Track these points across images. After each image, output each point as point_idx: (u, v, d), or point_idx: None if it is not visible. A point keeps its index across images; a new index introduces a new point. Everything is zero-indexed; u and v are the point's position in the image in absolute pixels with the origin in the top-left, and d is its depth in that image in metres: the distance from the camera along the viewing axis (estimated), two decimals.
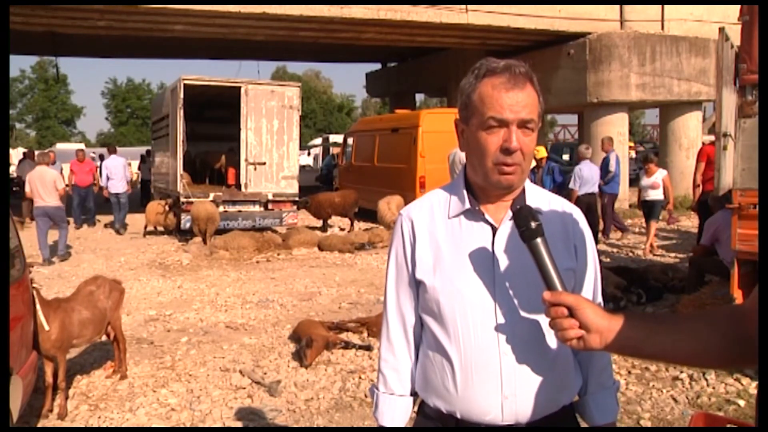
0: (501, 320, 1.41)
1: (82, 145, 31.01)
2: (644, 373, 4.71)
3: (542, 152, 11.44)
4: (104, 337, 4.97)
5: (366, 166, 15.70)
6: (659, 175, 9.99)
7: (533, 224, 1.29)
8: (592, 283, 1.54)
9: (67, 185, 12.96)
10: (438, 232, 1.50)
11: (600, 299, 1.56)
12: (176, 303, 7.36)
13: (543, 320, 1.42)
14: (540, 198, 1.52)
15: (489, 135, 1.39)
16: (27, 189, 10.57)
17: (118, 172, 13.96)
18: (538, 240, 1.28)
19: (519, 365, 1.41)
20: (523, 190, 1.49)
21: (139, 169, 19.41)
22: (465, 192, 1.49)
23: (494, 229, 1.45)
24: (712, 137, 9.06)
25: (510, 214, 1.45)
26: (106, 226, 14.53)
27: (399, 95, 23.70)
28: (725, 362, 1.17)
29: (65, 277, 8.78)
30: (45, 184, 10.00)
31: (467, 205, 1.47)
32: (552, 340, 1.44)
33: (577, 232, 1.52)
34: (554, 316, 1.23)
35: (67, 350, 4.36)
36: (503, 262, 1.43)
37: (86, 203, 14.31)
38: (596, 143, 15.09)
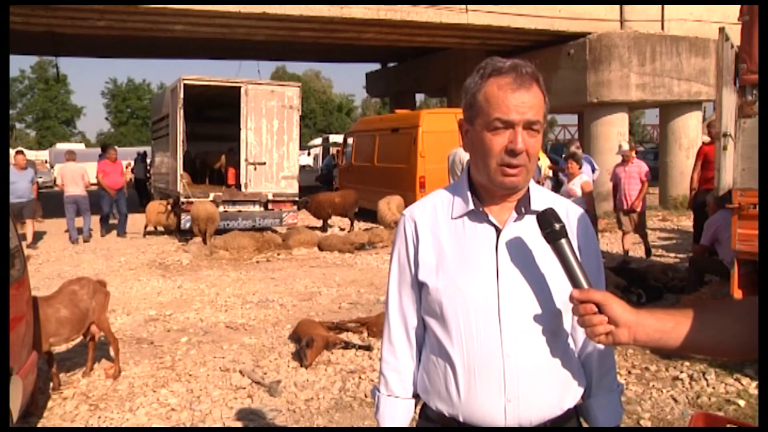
0: (504, 323, 1.40)
1: (82, 146, 30.96)
2: (644, 373, 4.71)
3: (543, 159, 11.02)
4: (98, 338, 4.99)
5: (366, 166, 15.70)
6: (578, 180, 8.20)
7: (557, 226, 1.32)
8: (596, 285, 1.53)
9: (94, 184, 13.19)
10: (441, 233, 1.49)
11: None
12: (176, 303, 7.36)
13: (546, 323, 1.42)
14: (544, 199, 1.50)
15: (494, 136, 1.38)
16: (59, 181, 12.82)
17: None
18: (563, 240, 1.32)
19: (522, 368, 1.40)
20: (528, 191, 1.48)
21: (132, 171, 19.33)
22: (468, 193, 1.47)
23: (498, 231, 1.44)
24: (707, 137, 8.88)
25: (514, 215, 1.45)
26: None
27: (399, 95, 23.69)
28: (748, 352, 1.19)
29: (65, 277, 8.73)
30: (74, 177, 12.22)
31: (471, 206, 1.46)
32: (555, 343, 1.44)
33: (581, 233, 1.50)
34: (583, 313, 1.25)
35: (46, 348, 4.37)
36: (507, 263, 1.42)
37: (119, 208, 13.22)
38: (596, 143, 15.13)
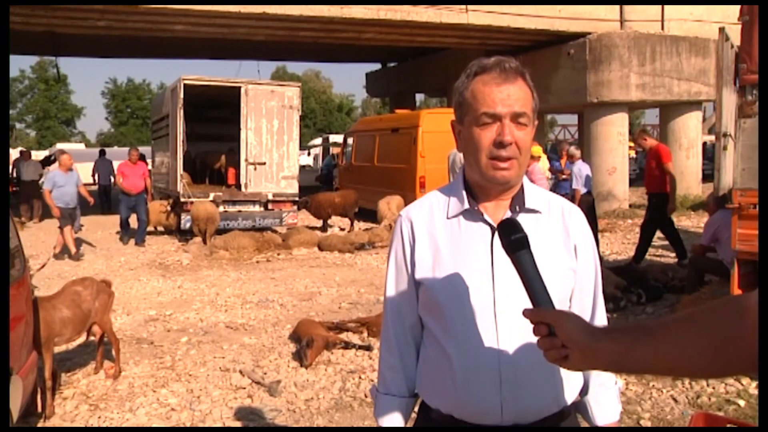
0: (500, 320, 1.41)
1: (81, 145, 30.98)
2: None
3: (537, 151, 10.96)
4: (92, 338, 5.00)
5: (366, 166, 15.70)
6: None
7: (514, 236, 1.23)
8: (592, 283, 1.53)
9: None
10: (437, 233, 1.50)
11: (601, 299, 1.55)
12: (176, 303, 7.36)
13: None
14: (540, 197, 1.51)
15: (482, 130, 1.40)
16: None
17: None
18: (520, 252, 1.22)
19: (518, 365, 1.40)
20: (522, 189, 1.48)
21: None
22: (464, 192, 1.48)
23: (493, 229, 1.45)
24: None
25: (509, 213, 1.45)
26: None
27: (399, 95, 23.70)
28: (714, 370, 1.03)
29: (65, 277, 8.75)
30: None
31: (466, 205, 1.47)
32: None
33: (578, 232, 1.51)
34: (535, 334, 1.16)
35: (50, 348, 4.37)
36: (502, 262, 1.41)
37: (138, 214, 11.80)
38: (596, 143, 15.12)
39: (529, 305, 1.37)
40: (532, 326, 1.26)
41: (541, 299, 1.18)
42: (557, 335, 1.12)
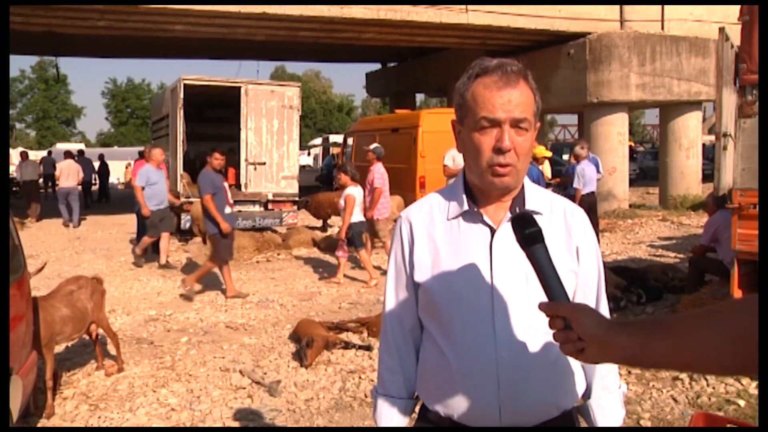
0: (498, 323, 1.40)
1: (81, 145, 31.03)
2: (644, 373, 4.70)
3: (542, 151, 10.96)
4: (86, 337, 5.00)
5: (366, 166, 15.68)
6: (344, 193, 8.06)
7: (528, 230, 1.21)
8: (595, 285, 1.52)
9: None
10: (437, 234, 1.49)
11: (604, 301, 1.54)
12: (176, 303, 7.36)
13: (541, 322, 1.40)
14: (541, 198, 1.50)
15: (482, 135, 1.38)
16: (57, 173, 15.24)
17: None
18: (535, 246, 1.22)
19: (516, 368, 1.39)
20: (523, 190, 1.47)
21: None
22: (463, 194, 1.48)
23: (492, 231, 1.44)
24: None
25: (509, 215, 1.44)
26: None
27: (399, 95, 23.69)
28: (731, 367, 1.03)
29: (65, 277, 8.75)
30: (70, 172, 14.54)
31: (465, 207, 1.46)
32: (550, 343, 1.42)
33: (580, 233, 1.49)
34: (551, 327, 1.17)
35: (52, 348, 4.38)
36: (501, 263, 1.41)
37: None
38: (596, 143, 15.12)
39: (528, 305, 1.36)
40: (531, 326, 1.26)
41: (557, 293, 1.18)
42: (573, 329, 1.12)
